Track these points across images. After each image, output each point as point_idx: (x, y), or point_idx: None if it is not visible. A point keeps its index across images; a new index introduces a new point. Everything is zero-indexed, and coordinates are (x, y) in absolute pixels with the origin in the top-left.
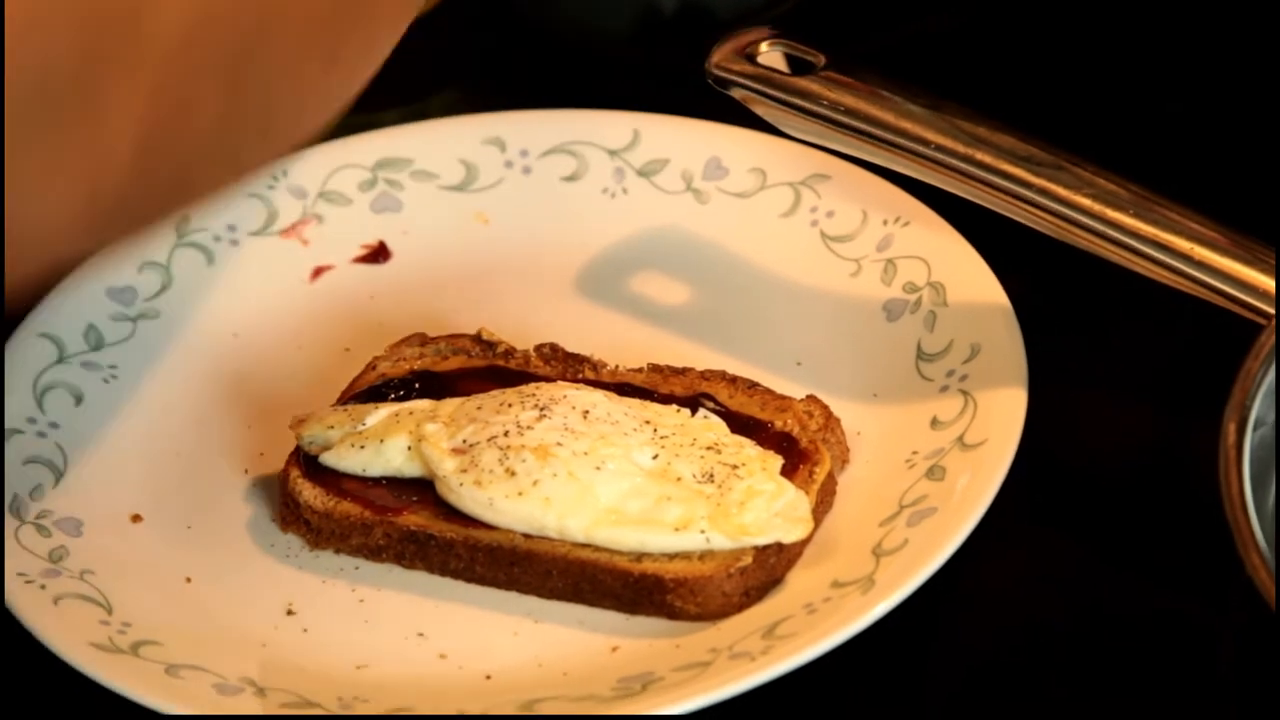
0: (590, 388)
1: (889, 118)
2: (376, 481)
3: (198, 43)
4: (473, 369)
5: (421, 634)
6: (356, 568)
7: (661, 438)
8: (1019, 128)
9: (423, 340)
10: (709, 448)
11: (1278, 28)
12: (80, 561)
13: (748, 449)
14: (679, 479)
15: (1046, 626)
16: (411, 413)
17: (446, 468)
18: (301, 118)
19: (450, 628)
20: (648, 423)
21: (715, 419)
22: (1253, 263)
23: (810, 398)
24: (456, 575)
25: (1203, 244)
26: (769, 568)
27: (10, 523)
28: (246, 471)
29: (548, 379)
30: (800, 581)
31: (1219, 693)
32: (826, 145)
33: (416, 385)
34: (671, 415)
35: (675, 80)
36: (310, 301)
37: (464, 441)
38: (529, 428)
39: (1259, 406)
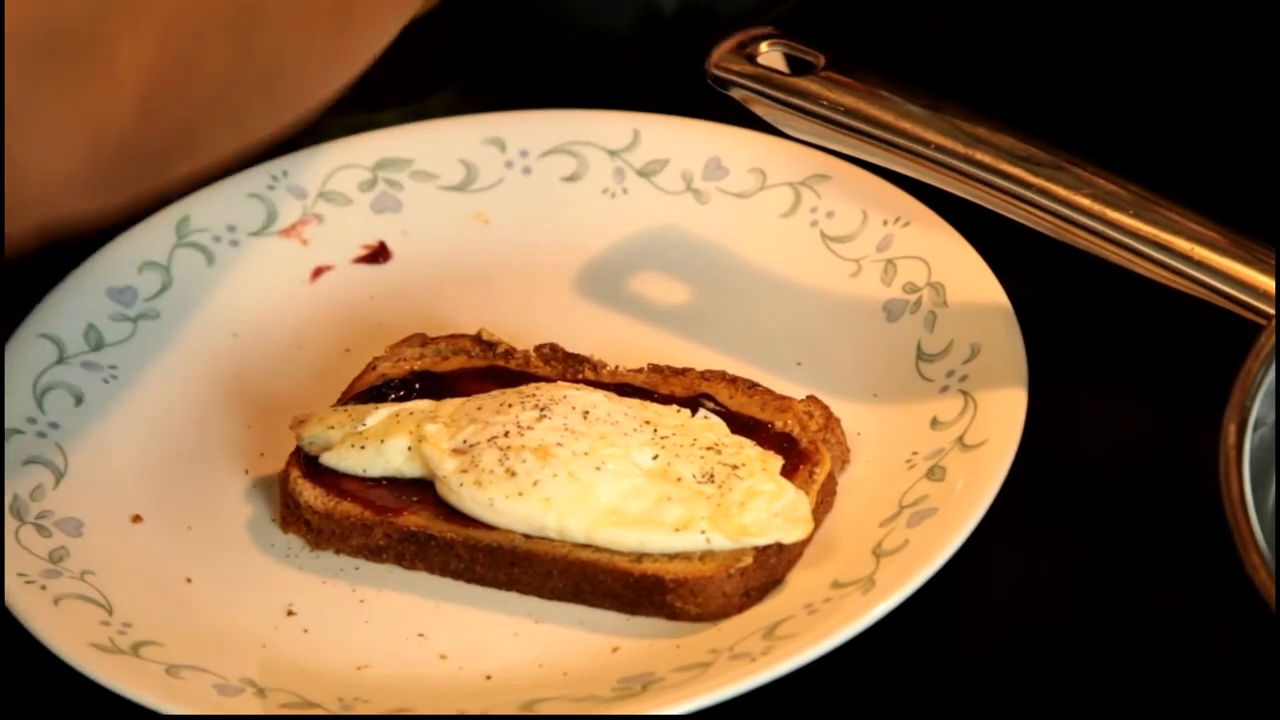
0: (590, 388)
1: (889, 118)
2: (377, 482)
3: None
4: (473, 369)
5: (422, 634)
6: (357, 568)
7: (662, 438)
8: (1019, 128)
9: (423, 340)
10: (709, 448)
11: (1278, 28)
12: (80, 562)
13: (748, 449)
14: (679, 479)
15: (1046, 626)
16: (412, 413)
17: (447, 468)
18: (308, 82)
19: (450, 628)
20: (648, 423)
21: (715, 419)
22: (1253, 263)
23: (810, 398)
24: (457, 576)
25: (1203, 244)
26: (769, 568)
27: (10, 523)
28: (247, 472)
29: (548, 379)
30: (800, 582)
31: (1219, 693)
32: (826, 145)
33: (417, 385)
34: (671, 415)
35: (675, 80)
36: (310, 301)
37: (464, 442)
38: (529, 428)
39: (1259, 406)
